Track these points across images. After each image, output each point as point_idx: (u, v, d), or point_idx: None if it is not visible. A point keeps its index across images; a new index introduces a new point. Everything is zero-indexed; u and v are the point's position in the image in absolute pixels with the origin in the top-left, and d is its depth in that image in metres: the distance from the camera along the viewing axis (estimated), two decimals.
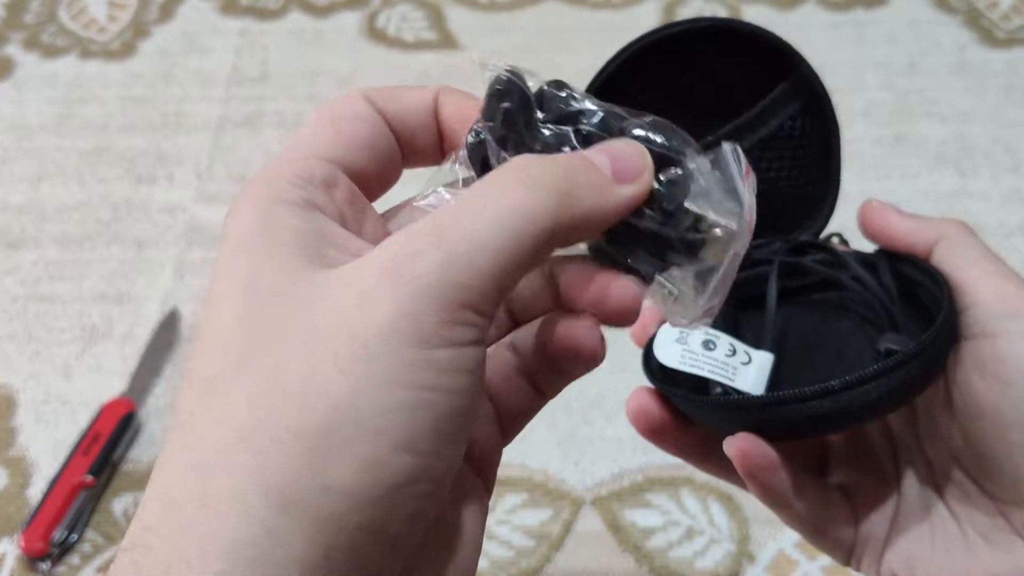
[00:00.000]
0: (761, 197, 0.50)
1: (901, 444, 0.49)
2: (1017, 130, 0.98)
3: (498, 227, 0.27)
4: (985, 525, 0.44)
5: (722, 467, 0.48)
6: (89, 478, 0.77)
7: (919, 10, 1.09)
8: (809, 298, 0.51)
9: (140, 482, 0.79)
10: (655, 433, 0.47)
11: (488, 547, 0.75)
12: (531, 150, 0.32)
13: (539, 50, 1.08)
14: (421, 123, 0.34)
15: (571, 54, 1.07)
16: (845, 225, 0.51)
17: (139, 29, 1.13)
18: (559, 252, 0.33)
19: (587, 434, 0.80)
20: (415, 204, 0.34)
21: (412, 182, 0.36)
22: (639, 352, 0.49)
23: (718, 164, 0.32)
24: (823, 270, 0.50)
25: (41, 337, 0.88)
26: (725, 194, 0.32)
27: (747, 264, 0.51)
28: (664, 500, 0.77)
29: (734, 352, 0.45)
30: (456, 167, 0.34)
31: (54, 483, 0.77)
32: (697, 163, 0.32)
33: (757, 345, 0.47)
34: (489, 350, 0.35)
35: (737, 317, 0.51)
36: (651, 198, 0.32)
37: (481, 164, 0.33)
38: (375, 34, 1.11)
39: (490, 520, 0.33)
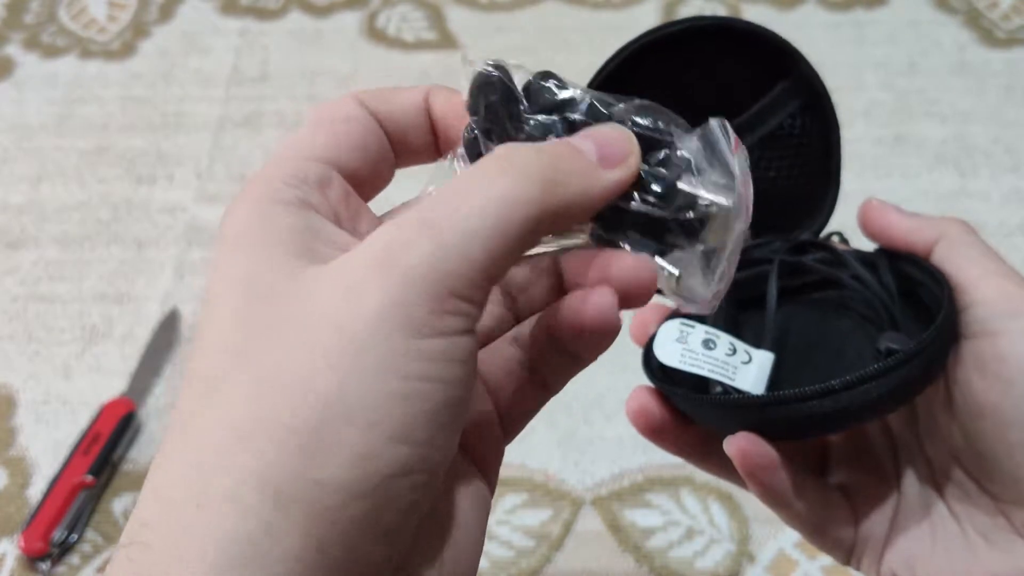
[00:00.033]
0: (761, 196, 0.50)
1: (901, 443, 0.49)
2: (1017, 130, 0.98)
3: (484, 215, 0.27)
4: (985, 524, 0.44)
5: (722, 466, 0.48)
6: (89, 478, 0.77)
7: (919, 10, 1.09)
8: (809, 297, 0.51)
9: (140, 482, 0.78)
10: (655, 432, 0.47)
11: (488, 547, 0.75)
12: (517, 141, 0.32)
13: (539, 50, 1.08)
14: (413, 122, 0.34)
15: (571, 54, 1.07)
16: (845, 224, 0.51)
17: (139, 29, 1.13)
18: (563, 244, 0.33)
19: (587, 434, 0.80)
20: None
21: (407, 181, 0.36)
22: (639, 351, 0.49)
23: (707, 141, 0.32)
24: (823, 269, 0.50)
25: (41, 337, 0.88)
26: (717, 171, 0.32)
27: (747, 263, 0.51)
28: (664, 500, 0.77)
29: (734, 351, 0.45)
30: (455, 164, 0.34)
31: (54, 483, 0.77)
32: (686, 142, 0.32)
33: (757, 344, 0.47)
34: (491, 346, 0.35)
35: (737, 316, 0.51)
36: (642, 181, 0.32)
37: (477, 159, 0.33)
38: (375, 34, 1.11)
39: (490, 520, 0.33)
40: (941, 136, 0.98)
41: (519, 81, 0.33)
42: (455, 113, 0.34)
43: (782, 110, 0.49)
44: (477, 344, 0.29)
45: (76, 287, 0.92)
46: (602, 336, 0.31)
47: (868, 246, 0.49)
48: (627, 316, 0.34)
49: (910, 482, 0.47)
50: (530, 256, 0.35)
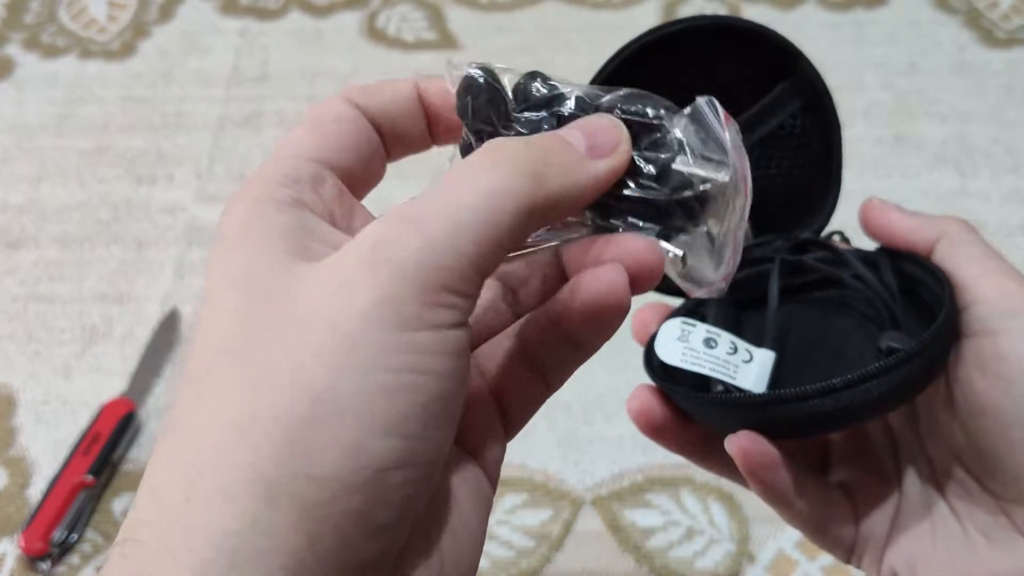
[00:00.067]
0: (762, 195, 0.50)
1: (902, 442, 0.49)
2: (1017, 130, 0.98)
3: (474, 208, 0.28)
4: (987, 523, 0.44)
5: (723, 465, 0.48)
6: (89, 478, 0.77)
7: (919, 10, 1.09)
8: (810, 296, 0.51)
9: (140, 482, 0.79)
10: (656, 431, 0.47)
11: (488, 547, 0.75)
12: None
13: (539, 50, 1.08)
14: (405, 111, 0.35)
15: (571, 54, 1.07)
16: (846, 224, 0.51)
17: (139, 29, 1.13)
18: (565, 237, 0.33)
19: (587, 434, 0.80)
20: None
21: (403, 180, 0.36)
22: (639, 351, 0.49)
23: (697, 120, 0.33)
24: (824, 268, 0.50)
25: (41, 337, 0.88)
26: (710, 148, 0.32)
27: (748, 262, 0.51)
28: (664, 500, 0.77)
29: (735, 350, 0.45)
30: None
31: (54, 483, 0.77)
32: (676, 124, 0.32)
33: (758, 343, 0.47)
34: (491, 341, 0.35)
35: (738, 315, 0.51)
36: (636, 167, 0.32)
37: None
38: (375, 34, 1.11)
39: (490, 520, 0.33)
40: (941, 136, 0.98)
41: (508, 83, 0.34)
42: (449, 100, 0.34)
43: (783, 109, 0.49)
44: (470, 337, 0.29)
45: (76, 287, 0.92)
46: (611, 316, 0.31)
47: (869, 245, 0.49)
48: (630, 315, 0.34)
49: (911, 481, 0.47)
50: (531, 250, 0.35)
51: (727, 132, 0.32)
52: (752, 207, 0.52)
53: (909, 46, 1.06)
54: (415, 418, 0.27)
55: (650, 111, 0.32)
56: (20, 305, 0.91)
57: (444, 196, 0.28)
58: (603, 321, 0.32)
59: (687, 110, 0.33)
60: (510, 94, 0.33)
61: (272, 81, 1.07)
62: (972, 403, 0.42)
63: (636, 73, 0.47)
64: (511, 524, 0.76)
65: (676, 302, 0.53)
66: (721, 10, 1.10)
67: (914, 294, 0.46)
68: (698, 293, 0.33)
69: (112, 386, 0.84)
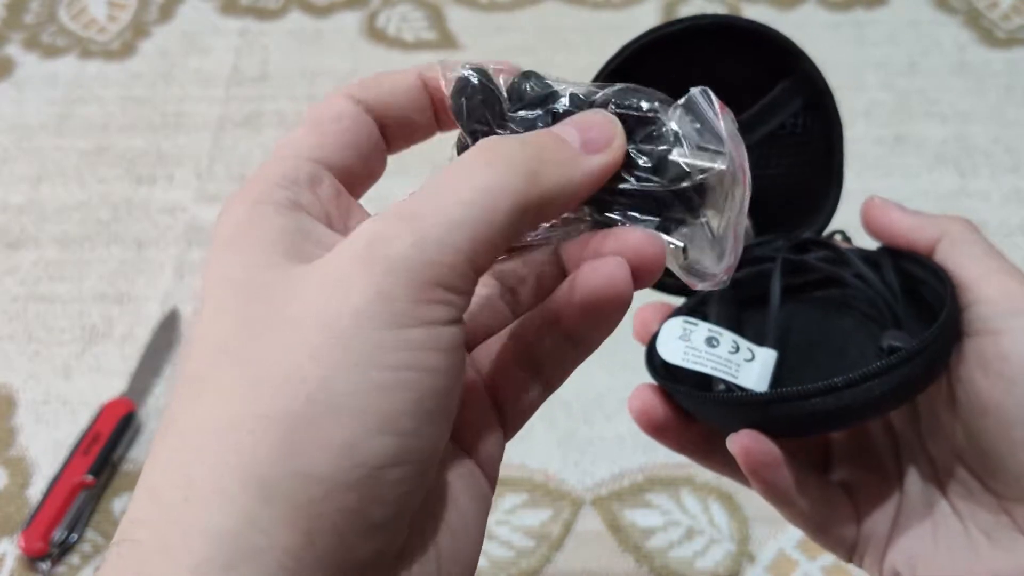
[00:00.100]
0: (764, 194, 0.50)
1: (903, 441, 0.49)
2: (1017, 130, 0.98)
3: (467, 205, 0.28)
4: (988, 522, 0.44)
5: (725, 464, 0.48)
6: (89, 478, 0.77)
7: (919, 10, 1.09)
8: (811, 295, 0.51)
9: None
10: (658, 430, 0.47)
11: (488, 547, 0.75)
12: None
13: (539, 50, 1.08)
14: (409, 99, 0.35)
15: (571, 54, 1.07)
16: (847, 223, 0.51)
17: (139, 29, 1.13)
18: (565, 232, 0.33)
19: (587, 434, 0.80)
20: None
21: (404, 177, 0.36)
22: (639, 351, 0.49)
23: (691, 111, 0.33)
24: (826, 267, 0.50)
25: (41, 337, 0.88)
26: (706, 139, 0.32)
27: (750, 261, 0.51)
28: (664, 500, 0.77)
29: (737, 349, 0.45)
30: None
31: (54, 483, 0.77)
32: (671, 116, 0.32)
33: (760, 342, 0.47)
34: (490, 340, 0.35)
35: (740, 315, 0.51)
36: (632, 161, 0.32)
37: None
38: (375, 34, 1.11)
39: (490, 520, 0.33)
40: (941, 136, 0.98)
41: (503, 84, 0.34)
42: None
43: (784, 109, 0.49)
44: (464, 334, 0.29)
45: (76, 287, 0.92)
46: (611, 309, 0.31)
47: (870, 244, 0.49)
48: (628, 315, 0.34)
49: (912, 480, 0.47)
50: (529, 248, 0.35)
51: (722, 121, 0.32)
52: (753, 206, 0.51)
53: (909, 46, 1.06)
54: (409, 415, 0.27)
55: (644, 104, 0.32)
56: (20, 305, 0.91)
57: (438, 194, 0.28)
58: (603, 315, 0.32)
59: (681, 101, 0.33)
60: (504, 94, 0.33)
61: (272, 81, 1.07)
62: (974, 402, 0.42)
63: (637, 73, 0.47)
64: (511, 524, 0.76)
65: (678, 301, 0.53)
66: (721, 10, 1.10)
67: (916, 293, 0.46)
68: (701, 286, 0.33)
69: (112, 386, 0.84)
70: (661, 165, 0.32)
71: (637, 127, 0.32)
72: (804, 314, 0.51)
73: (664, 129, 0.32)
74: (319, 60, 1.09)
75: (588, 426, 0.81)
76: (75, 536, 0.76)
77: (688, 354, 0.45)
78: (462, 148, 0.34)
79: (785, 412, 0.42)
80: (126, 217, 0.96)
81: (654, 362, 0.47)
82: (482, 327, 0.35)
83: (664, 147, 0.32)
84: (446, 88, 0.34)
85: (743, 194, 0.32)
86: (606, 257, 0.31)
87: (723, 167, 0.32)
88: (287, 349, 0.27)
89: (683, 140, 0.32)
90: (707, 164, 0.32)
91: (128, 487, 0.79)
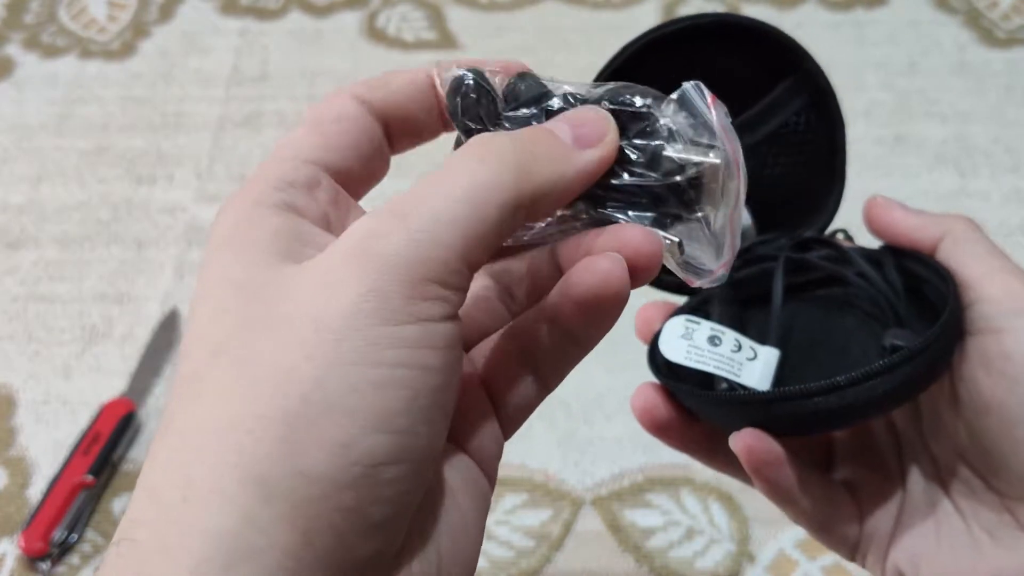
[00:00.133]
0: (766, 193, 0.50)
1: (906, 440, 0.49)
2: (1017, 130, 0.98)
3: (459, 201, 0.28)
4: (991, 521, 0.44)
5: (728, 463, 0.48)
6: (89, 478, 0.77)
7: (919, 10, 1.09)
8: (814, 294, 0.51)
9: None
10: (661, 429, 0.47)
11: (488, 547, 0.75)
12: None
13: (539, 50, 1.08)
14: (416, 99, 0.35)
15: (571, 54, 1.07)
16: (847, 224, 0.51)
17: (139, 29, 1.13)
18: (561, 229, 0.33)
19: (587, 434, 0.80)
20: None
21: (407, 180, 0.36)
22: (638, 350, 0.49)
23: (684, 105, 0.33)
24: (828, 266, 0.50)
25: (41, 337, 0.88)
26: (699, 132, 0.32)
27: (752, 260, 0.51)
28: (664, 500, 0.77)
29: (740, 347, 0.45)
30: None
31: (54, 483, 0.77)
32: (664, 111, 0.33)
33: (762, 341, 0.47)
34: (487, 340, 0.35)
35: (742, 313, 0.51)
36: (626, 156, 0.32)
37: None
38: (375, 34, 1.11)
39: (490, 520, 0.33)
40: (941, 136, 0.98)
41: (499, 86, 0.34)
42: None
43: (787, 107, 0.49)
44: (460, 331, 0.29)
45: (76, 287, 0.92)
46: (608, 306, 0.31)
47: (873, 243, 0.49)
48: (628, 315, 0.34)
49: (915, 479, 0.47)
50: (526, 248, 0.35)
51: (715, 115, 0.32)
52: (756, 205, 0.52)
53: (909, 46, 1.06)
54: (405, 413, 0.27)
55: (638, 100, 0.33)
56: (20, 305, 0.91)
57: (430, 190, 0.28)
58: (600, 312, 0.31)
59: (674, 96, 0.33)
60: (499, 94, 0.34)
61: (272, 81, 1.07)
62: (976, 401, 0.42)
63: (637, 73, 0.47)
64: (511, 524, 0.76)
65: (680, 300, 0.53)
66: (721, 10, 1.10)
67: (918, 292, 0.46)
68: (698, 282, 0.33)
69: (112, 386, 0.84)
70: (655, 160, 0.32)
71: (631, 123, 0.32)
72: (806, 313, 0.51)
73: (658, 124, 0.32)
74: (319, 60, 1.09)
75: (588, 426, 0.81)
76: (75, 536, 0.75)
77: (691, 353, 0.45)
78: (459, 147, 0.34)
79: (788, 411, 0.42)
80: (126, 217, 0.96)
81: (656, 361, 0.47)
82: (480, 327, 0.35)
83: (657, 142, 0.32)
84: (441, 88, 0.34)
85: (738, 187, 0.32)
86: (603, 254, 0.31)
87: (716, 160, 0.32)
88: (284, 349, 0.27)
89: (676, 134, 0.32)
90: (700, 158, 0.32)
91: (128, 487, 0.79)
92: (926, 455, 0.47)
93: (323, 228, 0.31)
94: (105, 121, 1.05)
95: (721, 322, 0.47)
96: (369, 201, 0.35)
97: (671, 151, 0.32)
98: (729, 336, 0.46)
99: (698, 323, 0.46)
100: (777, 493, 0.45)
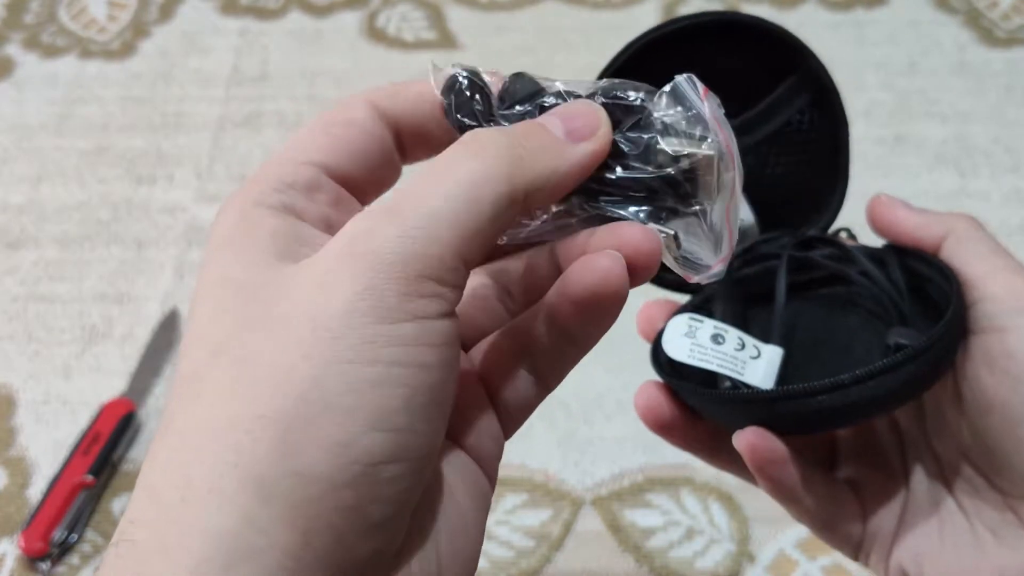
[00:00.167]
0: (769, 192, 0.50)
1: (909, 439, 0.49)
2: (1017, 130, 0.98)
3: (452, 196, 0.28)
4: (994, 520, 0.44)
5: (731, 461, 0.48)
6: (89, 478, 0.77)
7: (919, 10, 1.09)
8: (817, 293, 0.51)
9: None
10: (664, 428, 0.47)
11: (488, 547, 0.75)
12: None
13: (539, 50, 1.08)
14: (429, 110, 0.34)
15: (571, 54, 1.07)
16: (850, 223, 0.51)
17: (139, 29, 1.13)
18: (557, 225, 0.33)
19: (587, 434, 0.80)
20: None
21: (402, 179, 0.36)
22: (638, 350, 0.49)
23: (676, 98, 0.33)
24: (831, 265, 0.50)
25: (41, 337, 0.88)
26: (692, 125, 0.32)
27: (755, 259, 0.51)
28: (664, 500, 0.77)
29: (743, 346, 0.45)
30: None
31: (54, 483, 0.77)
32: (656, 104, 0.33)
33: (765, 340, 0.47)
34: (486, 340, 0.35)
35: (745, 312, 0.51)
36: (620, 150, 0.32)
37: None
38: (375, 34, 1.11)
39: (490, 520, 0.32)
40: (941, 136, 0.98)
41: (495, 86, 0.34)
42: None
43: (790, 106, 0.49)
44: (457, 328, 0.29)
45: (76, 287, 0.91)
46: (607, 304, 0.31)
47: (876, 242, 0.49)
48: (627, 314, 0.34)
49: (918, 478, 0.47)
50: (524, 248, 0.35)
51: (707, 106, 0.32)
52: (759, 204, 0.52)
53: (909, 46, 1.06)
54: (403, 411, 0.27)
55: (630, 94, 0.33)
56: (20, 305, 0.90)
57: (423, 186, 0.28)
58: (599, 311, 0.31)
59: (667, 88, 0.33)
60: (494, 92, 0.34)
61: (272, 81, 1.07)
62: (980, 400, 0.42)
63: (638, 73, 0.46)
64: (511, 524, 0.76)
65: (682, 299, 0.52)
66: (721, 9, 1.10)
67: (922, 291, 0.46)
68: (697, 278, 0.33)
69: (112, 386, 0.84)
70: (648, 152, 0.32)
71: (624, 117, 0.32)
72: (810, 311, 0.51)
73: (651, 117, 0.32)
74: (319, 60, 1.09)
75: (588, 426, 0.81)
76: (75, 536, 0.75)
77: (694, 351, 0.45)
78: None
79: (791, 409, 0.42)
80: (126, 217, 0.96)
81: (660, 359, 0.47)
82: (478, 327, 0.35)
83: (651, 135, 0.32)
84: (436, 88, 0.34)
85: (733, 178, 0.32)
86: (601, 252, 0.31)
87: (710, 152, 0.32)
88: (282, 348, 0.27)
89: (669, 127, 0.32)
90: (694, 149, 0.32)
91: (128, 487, 0.79)
92: (929, 454, 0.47)
93: (323, 230, 0.31)
94: (105, 121, 1.04)
95: (724, 320, 0.47)
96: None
97: (664, 143, 0.32)
98: (732, 334, 0.45)
99: (701, 321, 0.45)
100: (781, 492, 0.45)
